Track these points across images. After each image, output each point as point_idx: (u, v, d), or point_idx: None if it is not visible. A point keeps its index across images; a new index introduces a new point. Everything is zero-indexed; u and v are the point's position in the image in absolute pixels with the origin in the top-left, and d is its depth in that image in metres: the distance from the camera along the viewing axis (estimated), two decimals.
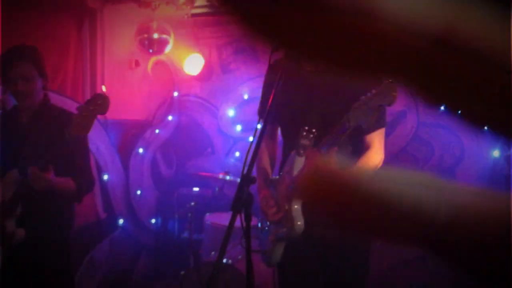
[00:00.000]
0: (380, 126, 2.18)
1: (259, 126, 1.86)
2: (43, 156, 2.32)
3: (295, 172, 2.08)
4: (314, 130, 2.06)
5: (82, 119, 2.22)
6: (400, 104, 4.76)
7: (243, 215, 1.67)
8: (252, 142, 1.79)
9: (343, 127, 1.87)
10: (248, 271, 1.69)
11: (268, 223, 2.22)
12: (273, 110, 2.18)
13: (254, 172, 2.24)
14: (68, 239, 2.69)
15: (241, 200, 1.65)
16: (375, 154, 2.14)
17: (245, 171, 1.69)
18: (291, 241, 2.10)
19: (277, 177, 2.24)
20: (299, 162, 2.09)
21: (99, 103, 2.24)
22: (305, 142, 2.06)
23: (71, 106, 3.68)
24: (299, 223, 2.03)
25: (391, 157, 4.70)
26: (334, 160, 1.83)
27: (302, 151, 2.07)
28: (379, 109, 1.75)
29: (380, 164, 2.17)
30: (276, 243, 2.13)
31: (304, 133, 2.06)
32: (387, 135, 2.25)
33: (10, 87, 2.48)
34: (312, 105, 2.19)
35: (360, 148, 2.15)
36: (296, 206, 2.05)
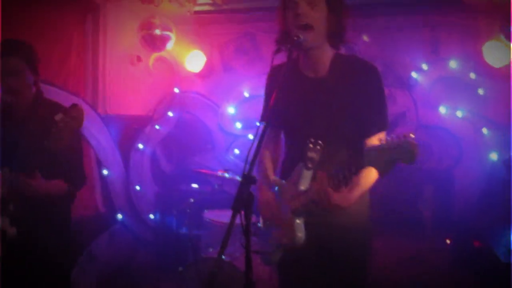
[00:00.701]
0: (381, 129, 2.11)
1: (258, 124, 1.84)
2: (30, 161, 2.30)
3: (302, 186, 2.07)
4: (320, 142, 2.03)
5: (60, 130, 2.21)
6: (400, 105, 4.79)
7: (243, 214, 1.68)
8: (253, 141, 1.77)
9: (356, 164, 1.85)
10: (247, 269, 1.71)
11: (267, 223, 2.23)
12: (276, 116, 2.22)
13: (255, 172, 2.27)
14: (66, 234, 2.66)
15: (242, 200, 1.66)
16: (370, 173, 2.04)
17: (246, 171, 1.70)
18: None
19: (283, 181, 2.22)
20: (307, 176, 2.06)
21: (74, 116, 2.22)
22: (312, 155, 2.04)
23: (66, 98, 3.70)
24: (299, 235, 2.03)
25: None
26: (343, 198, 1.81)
27: (310, 165, 2.05)
28: (396, 162, 1.67)
29: (374, 179, 2.10)
30: (276, 248, 2.13)
31: (311, 146, 2.04)
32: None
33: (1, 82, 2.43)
34: (316, 114, 2.16)
35: (360, 152, 2.08)
36: (298, 221, 2.04)
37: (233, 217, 1.65)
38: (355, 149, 2.11)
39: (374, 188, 2.26)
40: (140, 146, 5.07)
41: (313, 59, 2.17)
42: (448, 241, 4.06)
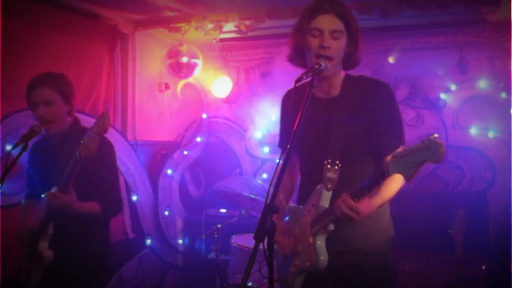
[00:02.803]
0: (398, 144, 1.99)
1: (277, 161, 1.80)
2: (63, 177, 2.35)
3: (322, 207, 2.04)
4: (337, 162, 2.04)
5: (89, 140, 2.27)
6: (428, 126, 4.70)
7: (265, 243, 1.66)
8: (275, 170, 1.76)
9: (380, 176, 1.80)
10: None
11: (284, 254, 2.20)
12: (296, 141, 2.19)
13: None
14: (102, 260, 2.68)
15: (264, 229, 1.64)
16: (395, 179, 1.97)
17: (268, 201, 1.69)
18: (313, 273, 2.07)
19: (300, 206, 2.21)
20: (327, 196, 2.05)
21: (100, 123, 2.28)
22: (331, 175, 2.03)
23: (91, 123, 3.76)
24: (322, 257, 2.00)
25: (419, 178, 4.62)
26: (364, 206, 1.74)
27: (329, 185, 2.04)
28: (423, 164, 1.64)
29: (403, 183, 2.03)
30: (297, 275, 2.10)
31: (329, 166, 2.04)
32: None
33: (33, 112, 2.52)
34: (330, 134, 2.13)
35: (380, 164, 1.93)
36: (319, 242, 2.03)
37: (256, 247, 1.63)
38: (375, 165, 2.10)
39: (402, 212, 2.21)
40: (169, 171, 5.10)
41: (326, 83, 2.18)
42: (483, 267, 3.92)
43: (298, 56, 2.19)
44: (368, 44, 4.32)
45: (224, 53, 5.39)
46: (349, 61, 2.15)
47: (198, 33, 4.55)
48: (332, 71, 2.10)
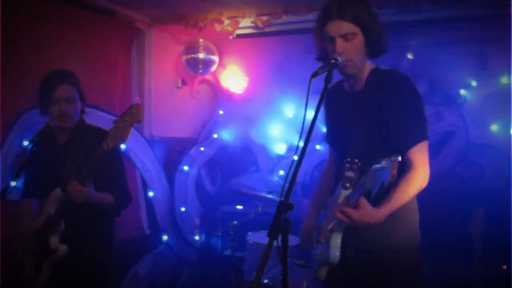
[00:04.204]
0: (421, 140, 2.04)
1: (301, 144, 1.78)
2: (82, 171, 2.39)
3: (339, 205, 2.06)
4: (357, 161, 2.03)
5: (118, 130, 2.30)
6: (448, 123, 4.62)
7: (280, 241, 1.65)
8: (289, 168, 1.75)
9: (361, 188, 1.84)
10: None
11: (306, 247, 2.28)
12: (330, 135, 2.38)
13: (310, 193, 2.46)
14: (108, 253, 2.75)
15: (278, 227, 1.63)
16: (415, 175, 1.98)
17: (282, 197, 1.67)
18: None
19: (329, 199, 2.26)
20: (344, 195, 2.07)
21: (134, 113, 2.30)
22: (349, 174, 2.04)
23: (107, 119, 3.80)
24: (333, 254, 2.03)
25: (438, 176, 4.54)
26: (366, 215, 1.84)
27: (347, 184, 2.05)
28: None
29: (425, 183, 2.02)
30: (321, 266, 2.14)
31: (348, 165, 2.04)
32: (434, 156, 2.11)
33: (55, 108, 2.56)
34: (355, 130, 2.14)
35: (401, 167, 1.93)
36: (334, 238, 2.04)
37: (269, 245, 1.62)
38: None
39: (420, 210, 2.19)
40: (185, 168, 5.11)
41: (353, 77, 2.20)
42: (504, 267, 3.84)
43: (324, 57, 2.20)
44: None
45: (241, 50, 5.36)
46: (372, 52, 2.14)
47: (215, 30, 4.55)
48: (353, 71, 2.12)
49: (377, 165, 1.71)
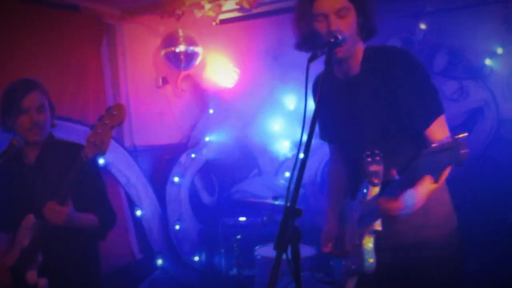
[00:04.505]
0: (439, 114, 2.11)
1: (304, 138, 1.80)
2: (58, 190, 2.34)
3: (368, 204, 2.07)
4: (377, 152, 2.03)
5: (97, 137, 2.25)
6: (474, 99, 4.58)
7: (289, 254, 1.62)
8: (293, 168, 1.75)
9: (412, 177, 1.78)
10: None
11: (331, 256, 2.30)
12: (329, 130, 2.44)
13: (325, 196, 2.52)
14: (97, 285, 2.72)
15: (286, 237, 1.59)
16: None
17: (288, 203, 1.64)
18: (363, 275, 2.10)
19: (351, 201, 2.26)
20: (373, 192, 2.08)
21: (114, 114, 2.25)
22: (374, 168, 2.04)
23: (80, 131, 3.77)
24: (368, 261, 2.05)
25: (469, 161, 4.48)
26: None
27: (375, 180, 2.05)
28: (448, 166, 1.65)
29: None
30: (349, 277, 2.16)
31: (369, 159, 2.04)
32: None
33: (24, 119, 2.51)
34: (364, 118, 2.18)
35: (422, 147, 1.95)
36: (366, 244, 2.05)
37: (278, 259, 1.59)
38: (418, 143, 2.12)
39: (457, 197, 2.27)
40: (176, 179, 5.10)
41: (346, 61, 2.21)
42: None
43: (308, 42, 2.21)
44: (394, 8, 4.23)
45: (227, 37, 5.32)
46: (362, 32, 2.17)
47: (195, 16, 4.52)
48: (347, 53, 2.13)
49: (436, 145, 1.66)
